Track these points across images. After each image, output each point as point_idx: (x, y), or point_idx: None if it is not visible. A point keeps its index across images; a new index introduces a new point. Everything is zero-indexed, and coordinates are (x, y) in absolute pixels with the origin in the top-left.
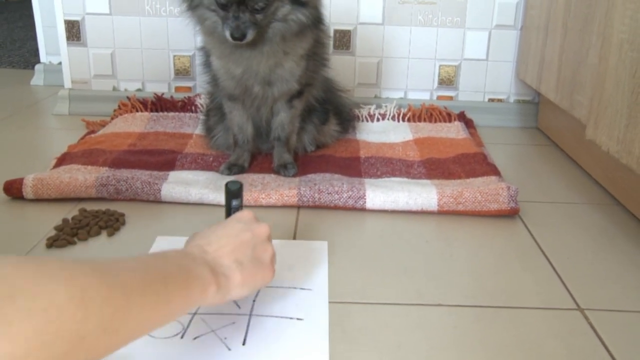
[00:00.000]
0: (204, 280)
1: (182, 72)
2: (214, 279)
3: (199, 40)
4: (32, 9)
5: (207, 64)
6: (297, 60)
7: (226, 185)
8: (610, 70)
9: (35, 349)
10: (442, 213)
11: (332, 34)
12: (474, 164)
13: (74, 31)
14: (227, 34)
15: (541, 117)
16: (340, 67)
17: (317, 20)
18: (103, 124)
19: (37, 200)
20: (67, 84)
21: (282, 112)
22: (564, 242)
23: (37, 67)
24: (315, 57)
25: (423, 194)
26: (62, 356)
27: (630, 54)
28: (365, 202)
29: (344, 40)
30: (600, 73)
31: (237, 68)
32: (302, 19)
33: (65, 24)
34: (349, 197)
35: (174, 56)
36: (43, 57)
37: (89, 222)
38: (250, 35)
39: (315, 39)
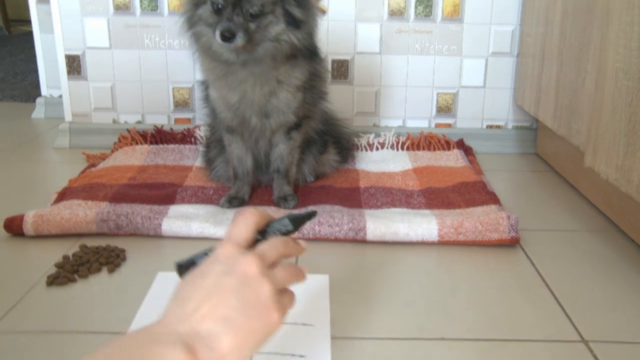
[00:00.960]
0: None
1: (181, 104)
2: (184, 348)
3: (198, 73)
4: (34, 43)
5: (206, 98)
6: (292, 92)
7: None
8: (607, 98)
9: None
10: (443, 243)
11: (330, 64)
12: (473, 192)
13: (74, 65)
14: (217, 34)
15: (539, 143)
16: (338, 97)
17: (311, 51)
18: (103, 157)
19: (38, 236)
20: (68, 117)
21: (281, 144)
22: (565, 271)
23: (38, 100)
24: (313, 90)
25: (423, 225)
26: None
27: (626, 83)
28: (365, 234)
29: (342, 69)
30: (597, 101)
31: (234, 96)
32: (294, 41)
33: (66, 58)
34: (350, 229)
35: (173, 88)
36: (44, 90)
37: (89, 259)
38: (240, 38)
39: (312, 71)
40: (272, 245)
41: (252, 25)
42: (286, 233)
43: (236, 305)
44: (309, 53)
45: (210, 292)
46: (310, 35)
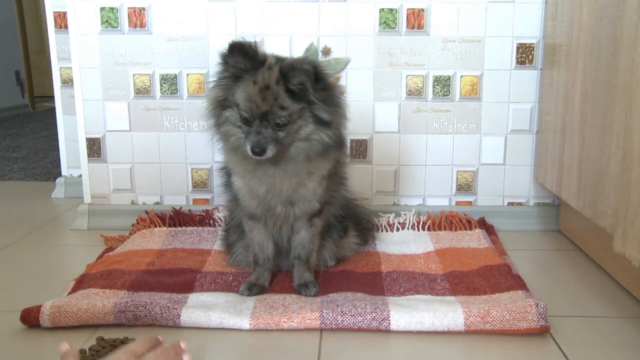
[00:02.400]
0: None
1: (199, 185)
2: None
3: (217, 155)
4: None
5: (228, 184)
6: (319, 180)
7: None
8: (635, 182)
9: None
10: (469, 332)
11: (349, 144)
12: (498, 277)
13: (94, 148)
14: (248, 148)
15: (562, 220)
16: (357, 176)
17: (339, 142)
18: (122, 239)
19: (54, 327)
20: (87, 199)
21: (303, 230)
22: None
23: (58, 180)
24: (335, 177)
25: (449, 314)
26: None
27: None
28: (389, 324)
29: (361, 149)
30: (624, 185)
31: (261, 187)
32: (325, 140)
33: (86, 141)
34: (373, 319)
35: (192, 169)
36: (64, 170)
37: (107, 353)
38: (270, 151)
39: (336, 159)
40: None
41: (282, 134)
42: None
43: None
44: (338, 145)
45: None
46: (339, 129)
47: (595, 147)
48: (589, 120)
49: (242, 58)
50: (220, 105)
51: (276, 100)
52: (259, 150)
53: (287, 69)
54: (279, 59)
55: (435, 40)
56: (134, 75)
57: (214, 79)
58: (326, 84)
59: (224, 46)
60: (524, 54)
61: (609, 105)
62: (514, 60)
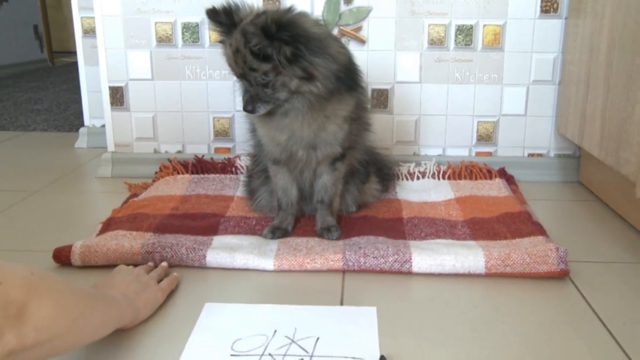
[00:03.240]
0: (123, 303)
1: (221, 134)
2: (127, 302)
3: (238, 103)
4: (77, 73)
5: (253, 130)
6: (340, 124)
7: None
8: None
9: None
10: (490, 275)
11: (370, 94)
12: (519, 223)
13: (117, 97)
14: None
15: (583, 171)
16: (378, 126)
17: (353, 83)
18: (145, 187)
19: (85, 266)
20: (111, 147)
21: (325, 174)
22: (619, 306)
23: (80, 130)
24: (358, 121)
25: (470, 257)
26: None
27: None
28: (411, 265)
29: (382, 99)
30: None
31: (282, 135)
32: (314, 91)
33: (109, 90)
34: (395, 261)
35: (214, 118)
36: (87, 120)
37: None
38: (261, 109)
39: (357, 102)
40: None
41: (269, 91)
42: None
43: (139, 287)
44: (351, 84)
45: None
46: (330, 76)
47: (620, 96)
48: (614, 68)
49: (216, 23)
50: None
51: (245, 63)
52: (250, 109)
53: (243, 31)
54: (252, 19)
55: None
56: (155, 23)
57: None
58: (288, 37)
59: None
60: (549, 2)
61: (637, 52)
62: (539, 8)
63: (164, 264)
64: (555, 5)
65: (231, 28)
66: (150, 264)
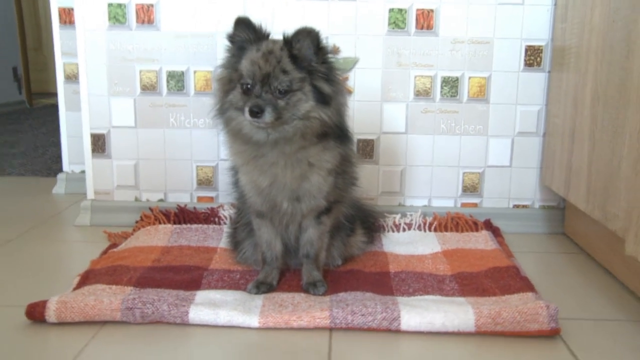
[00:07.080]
0: None
1: (204, 182)
2: None
3: (222, 152)
4: (56, 116)
5: (235, 183)
6: (324, 176)
7: None
8: None
9: None
10: (480, 334)
11: (355, 144)
12: (507, 278)
13: (99, 144)
14: (247, 111)
15: (568, 223)
16: (364, 176)
17: (342, 133)
18: (125, 236)
19: (60, 323)
20: (90, 194)
21: (311, 228)
22: None
23: (59, 176)
24: (344, 176)
25: (460, 315)
26: None
27: None
28: (400, 324)
29: (368, 149)
30: (637, 186)
31: (264, 180)
32: (324, 118)
33: (91, 137)
34: (383, 319)
35: (197, 167)
36: (66, 165)
37: None
38: (268, 114)
39: (343, 155)
40: None
41: (281, 102)
42: None
43: None
44: (340, 134)
45: None
46: (340, 113)
47: (606, 150)
48: (599, 122)
49: (247, 30)
50: (224, 90)
51: (279, 63)
52: (257, 110)
53: (291, 35)
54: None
55: (444, 41)
56: (140, 71)
57: (221, 60)
58: (328, 58)
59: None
60: (533, 56)
61: (621, 107)
62: (522, 62)
63: None
64: (538, 58)
65: (260, 37)
66: None
